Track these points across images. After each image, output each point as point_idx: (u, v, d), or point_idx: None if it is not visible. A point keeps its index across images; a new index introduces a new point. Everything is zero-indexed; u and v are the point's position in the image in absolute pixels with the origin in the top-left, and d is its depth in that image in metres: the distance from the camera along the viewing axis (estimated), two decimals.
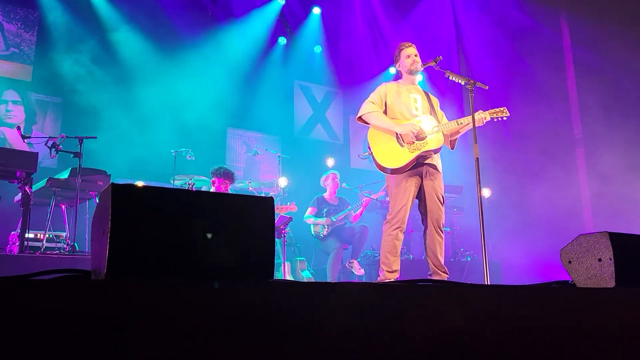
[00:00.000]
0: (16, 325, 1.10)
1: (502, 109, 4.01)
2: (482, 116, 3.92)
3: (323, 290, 1.56)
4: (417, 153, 3.86)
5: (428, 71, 8.56)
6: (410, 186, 3.87)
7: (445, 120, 4.12)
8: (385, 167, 3.91)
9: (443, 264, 3.89)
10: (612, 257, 2.15)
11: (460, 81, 3.89)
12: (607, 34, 7.64)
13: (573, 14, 8.43)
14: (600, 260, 2.20)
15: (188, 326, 1.27)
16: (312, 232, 6.64)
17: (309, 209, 6.67)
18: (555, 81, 8.46)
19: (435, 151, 3.95)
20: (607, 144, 7.51)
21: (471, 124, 3.82)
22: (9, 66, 7.15)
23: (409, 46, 4.19)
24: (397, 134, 3.92)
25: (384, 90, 4.10)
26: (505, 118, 4.00)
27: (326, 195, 6.79)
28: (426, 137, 3.90)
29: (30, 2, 7.34)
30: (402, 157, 3.87)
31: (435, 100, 4.24)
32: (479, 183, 3.59)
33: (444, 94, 9.31)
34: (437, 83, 9.42)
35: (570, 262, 2.31)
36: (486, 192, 7.62)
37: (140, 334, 1.21)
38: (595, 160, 7.75)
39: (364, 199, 6.66)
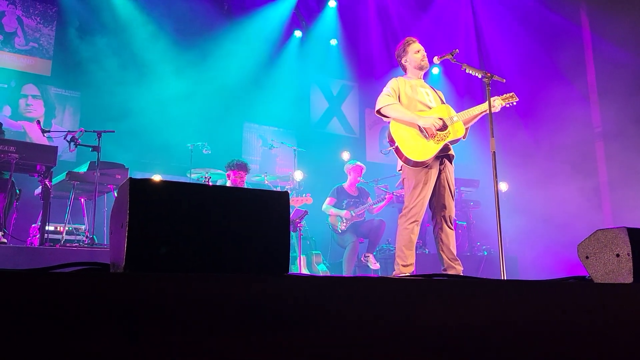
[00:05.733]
0: (36, 317, 1.12)
1: (511, 94, 4.03)
2: (496, 103, 3.94)
3: (339, 284, 1.56)
4: (442, 144, 3.85)
5: (442, 64, 8.48)
6: (428, 180, 3.85)
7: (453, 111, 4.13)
8: (412, 160, 3.84)
9: (456, 256, 3.89)
10: (631, 252, 2.13)
11: (477, 74, 3.87)
12: (627, 25, 7.51)
13: (593, 4, 8.30)
14: (618, 255, 2.18)
15: (204, 319, 1.28)
16: (329, 224, 6.63)
17: (328, 199, 6.64)
18: (575, 74, 8.34)
19: (457, 141, 3.95)
20: (627, 138, 7.39)
21: (484, 111, 3.84)
22: (29, 61, 7.24)
23: (415, 41, 4.17)
24: (419, 126, 3.90)
25: (396, 84, 4.06)
26: (514, 103, 4.01)
27: (346, 185, 6.76)
28: (448, 127, 3.90)
29: None
30: (428, 149, 3.85)
31: (440, 94, 4.23)
32: (496, 177, 3.57)
33: (460, 88, 9.25)
34: (452, 76, 9.35)
35: (587, 257, 2.29)
36: (503, 186, 7.56)
37: (157, 326, 1.23)
38: (615, 154, 7.64)
39: (386, 195, 6.61)
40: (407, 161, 3.88)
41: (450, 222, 3.91)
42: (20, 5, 7.27)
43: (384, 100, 3.98)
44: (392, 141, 3.95)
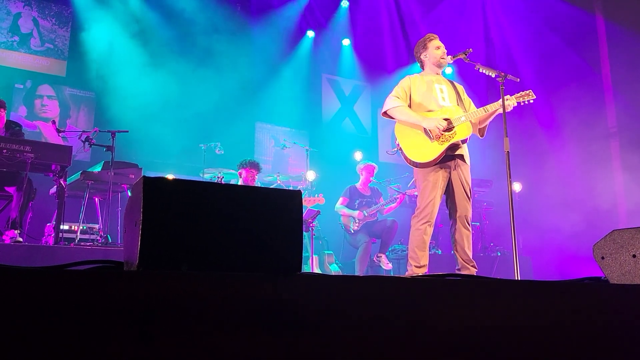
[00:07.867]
0: (51, 314, 1.13)
1: (527, 91, 3.95)
2: (509, 102, 3.86)
3: (351, 283, 1.56)
4: (446, 145, 3.81)
5: (456, 63, 8.43)
6: (439, 180, 3.83)
7: (473, 106, 4.08)
8: (415, 161, 3.86)
9: (471, 257, 3.85)
10: None
11: (490, 74, 3.84)
12: None
13: (608, 4, 8.21)
14: (634, 256, 2.15)
15: (217, 317, 1.28)
16: (342, 224, 6.62)
17: (341, 199, 6.64)
18: (590, 73, 8.26)
19: (464, 141, 3.91)
20: None
21: (499, 110, 3.80)
22: (44, 61, 7.32)
23: (436, 38, 4.15)
24: (424, 127, 3.88)
25: (408, 84, 4.05)
26: (531, 101, 3.94)
27: (358, 185, 6.74)
28: (454, 127, 3.86)
29: None
30: (432, 150, 3.83)
31: (460, 88, 4.19)
32: (510, 177, 3.54)
33: (472, 87, 9.19)
34: (465, 75, 9.30)
35: (603, 258, 2.26)
36: (517, 186, 7.50)
37: (170, 324, 1.23)
38: (630, 153, 7.55)
39: (398, 195, 6.58)
40: (411, 163, 3.90)
41: (467, 223, 3.85)
42: (36, 7, 7.35)
43: (390, 102, 4.00)
44: (397, 142, 3.98)
